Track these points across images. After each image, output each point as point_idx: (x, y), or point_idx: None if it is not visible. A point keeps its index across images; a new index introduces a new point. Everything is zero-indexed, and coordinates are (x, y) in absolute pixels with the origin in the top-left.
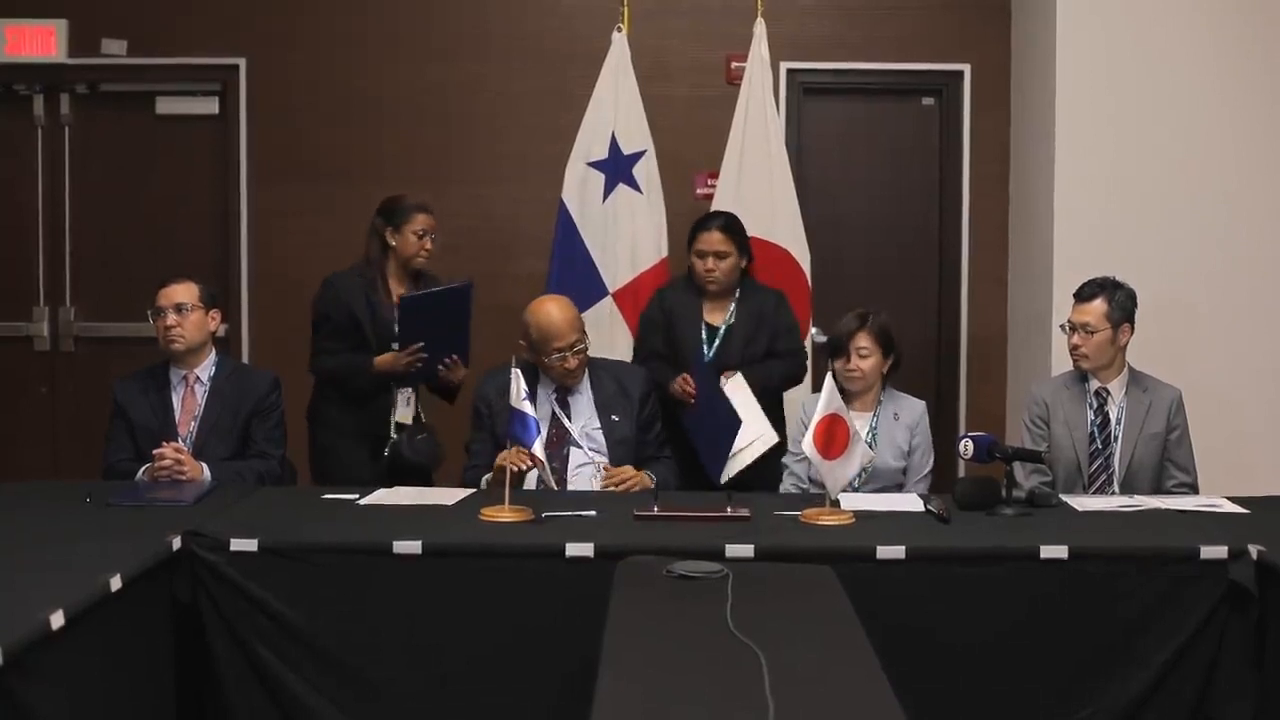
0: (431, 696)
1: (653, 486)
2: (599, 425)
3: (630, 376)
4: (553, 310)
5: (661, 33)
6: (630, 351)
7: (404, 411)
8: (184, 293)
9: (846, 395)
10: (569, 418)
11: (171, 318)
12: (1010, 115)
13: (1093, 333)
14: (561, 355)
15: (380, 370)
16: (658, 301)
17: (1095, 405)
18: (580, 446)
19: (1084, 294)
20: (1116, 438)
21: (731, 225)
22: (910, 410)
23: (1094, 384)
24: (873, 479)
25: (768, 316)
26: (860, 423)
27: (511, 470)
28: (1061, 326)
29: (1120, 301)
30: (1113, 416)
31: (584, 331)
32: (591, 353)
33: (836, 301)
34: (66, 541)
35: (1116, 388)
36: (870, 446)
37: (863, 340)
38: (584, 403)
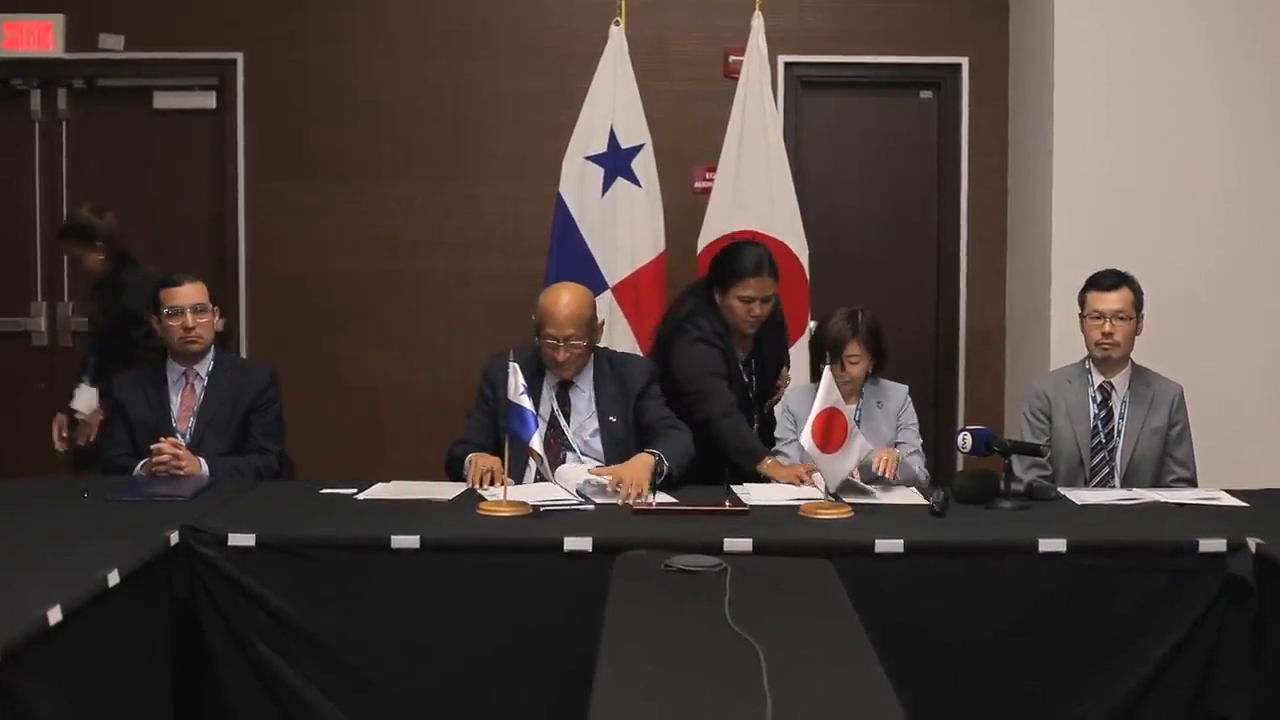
0: (430, 691)
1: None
2: (597, 427)
3: (631, 374)
4: (561, 298)
5: (659, 26)
6: (632, 345)
7: (84, 399)
8: (199, 293)
9: None
10: (567, 418)
11: (192, 318)
12: (1008, 108)
13: (1126, 319)
14: (553, 344)
15: None
16: (717, 346)
17: (1099, 399)
18: (575, 451)
19: (1107, 283)
20: (1119, 432)
21: (773, 263)
22: (893, 397)
23: (1098, 378)
24: (861, 469)
25: (771, 329)
26: None
27: (485, 479)
28: (1083, 317)
29: (1137, 291)
30: (1116, 411)
31: (589, 331)
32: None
33: (834, 295)
34: (64, 537)
35: (1120, 382)
36: None
37: (854, 349)
38: (584, 401)
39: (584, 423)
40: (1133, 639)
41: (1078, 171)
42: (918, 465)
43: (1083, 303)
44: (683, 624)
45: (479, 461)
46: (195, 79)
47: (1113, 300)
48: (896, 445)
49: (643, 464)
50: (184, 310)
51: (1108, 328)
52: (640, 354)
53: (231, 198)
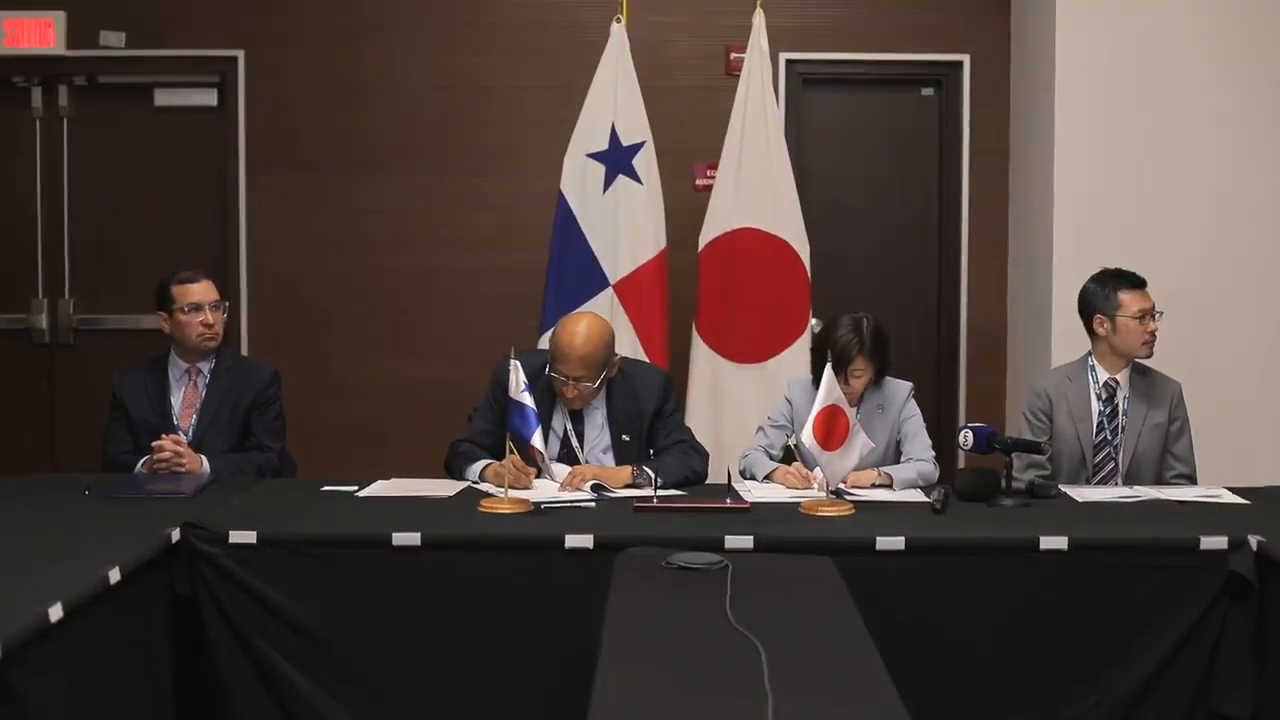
0: (431, 687)
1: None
2: (609, 444)
3: (645, 386)
4: (576, 338)
5: (660, 24)
6: (634, 343)
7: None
8: (213, 290)
9: None
10: (580, 437)
11: (211, 315)
12: (1010, 106)
13: (1161, 315)
14: (561, 380)
15: None
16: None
17: (1105, 396)
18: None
19: (1139, 280)
20: (1122, 429)
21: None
22: (895, 399)
23: (1102, 375)
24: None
25: None
26: None
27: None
28: (1116, 317)
29: None
30: (1120, 407)
31: (600, 371)
32: None
33: (836, 293)
34: (66, 535)
35: (1123, 378)
36: None
37: (859, 364)
38: (599, 418)
39: (597, 438)
40: (1134, 637)
41: (1079, 169)
42: (920, 470)
43: (1115, 303)
44: (684, 621)
45: (497, 469)
46: (196, 76)
47: (1150, 296)
48: (900, 455)
49: (612, 470)
50: (204, 307)
51: (1153, 325)
52: (644, 355)
53: (232, 195)
